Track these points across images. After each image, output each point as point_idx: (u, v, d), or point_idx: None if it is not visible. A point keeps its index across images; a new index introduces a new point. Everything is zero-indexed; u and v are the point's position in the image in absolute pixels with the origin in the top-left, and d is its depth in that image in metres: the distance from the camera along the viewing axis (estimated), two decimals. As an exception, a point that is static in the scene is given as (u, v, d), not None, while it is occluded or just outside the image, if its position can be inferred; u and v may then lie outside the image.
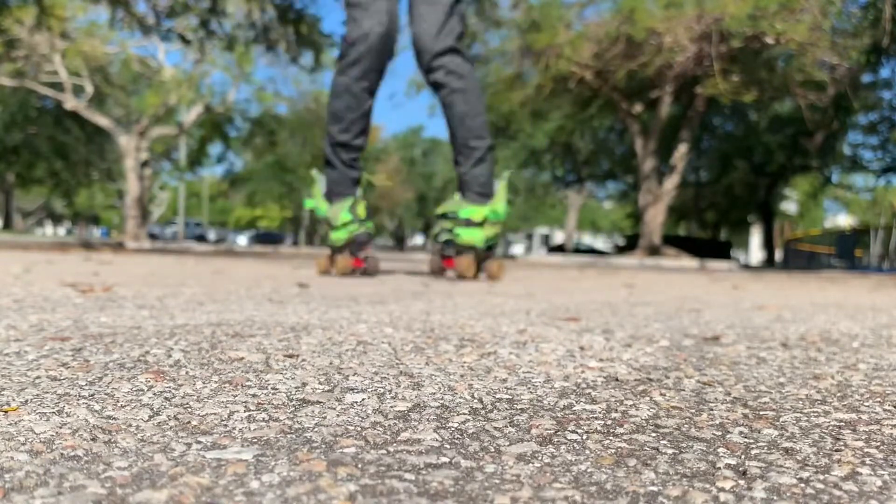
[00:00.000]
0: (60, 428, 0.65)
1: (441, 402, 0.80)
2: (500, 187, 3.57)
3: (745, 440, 0.68)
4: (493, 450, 0.63)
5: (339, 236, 3.53)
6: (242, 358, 1.03)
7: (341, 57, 3.46)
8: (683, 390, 0.91)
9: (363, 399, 0.80)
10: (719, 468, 0.59)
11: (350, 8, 3.43)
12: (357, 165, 3.57)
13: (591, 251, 30.23)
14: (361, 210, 3.55)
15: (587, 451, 0.63)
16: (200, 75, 21.30)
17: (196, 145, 27.68)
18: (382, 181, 3.69)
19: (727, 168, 25.22)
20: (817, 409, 0.82)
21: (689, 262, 15.25)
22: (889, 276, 8.66)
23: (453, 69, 3.42)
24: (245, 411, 0.73)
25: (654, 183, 17.87)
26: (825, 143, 20.81)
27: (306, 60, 13.29)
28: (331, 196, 3.59)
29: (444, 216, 3.58)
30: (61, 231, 54.37)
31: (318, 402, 0.78)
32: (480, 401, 0.82)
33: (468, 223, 3.47)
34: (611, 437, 0.68)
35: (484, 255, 3.61)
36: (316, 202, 3.70)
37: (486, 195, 3.53)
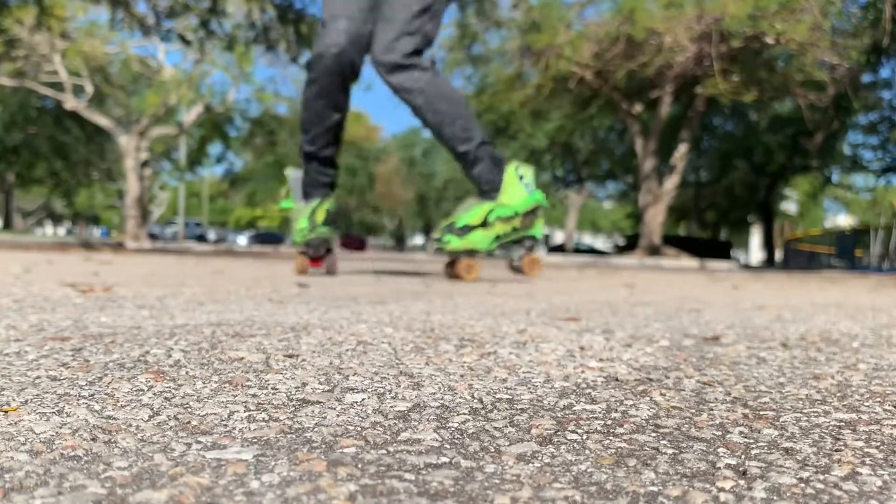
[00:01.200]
0: (60, 428, 0.65)
1: (441, 402, 0.80)
2: (507, 178, 3.48)
3: (745, 440, 0.68)
4: (493, 450, 0.63)
5: (297, 239, 3.61)
6: (242, 358, 1.03)
7: (307, 69, 3.45)
8: (683, 390, 0.91)
9: (363, 399, 0.80)
10: (719, 468, 0.59)
11: (321, 26, 3.44)
12: (327, 172, 3.57)
13: (592, 251, 30.24)
14: (320, 215, 3.56)
15: (587, 451, 0.63)
16: (200, 75, 21.31)
17: (196, 145, 27.69)
18: None
19: (727, 168, 25.24)
20: (817, 409, 0.82)
21: (689, 262, 15.26)
22: (889, 276, 8.66)
23: (407, 87, 3.34)
24: (245, 411, 0.73)
25: (654, 183, 17.88)
26: (825, 143, 20.83)
27: (306, 60, 13.29)
28: (307, 196, 3.62)
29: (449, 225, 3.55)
30: (61, 231, 54.37)
31: (318, 402, 0.78)
32: (480, 401, 0.82)
33: (463, 230, 3.43)
34: (611, 437, 0.68)
35: (519, 256, 3.62)
36: (290, 201, 3.72)
37: (494, 191, 3.46)
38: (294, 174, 3.72)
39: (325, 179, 3.57)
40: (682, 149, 17.76)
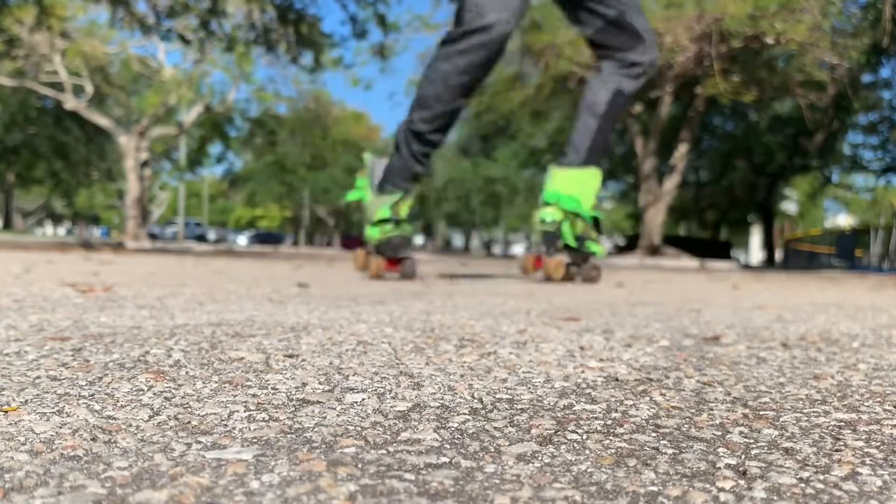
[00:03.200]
0: (60, 428, 0.65)
1: (441, 402, 0.80)
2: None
3: (745, 440, 0.68)
4: (493, 450, 0.63)
5: (372, 234, 3.27)
6: (242, 358, 1.03)
7: (448, 42, 3.06)
8: (683, 390, 0.91)
9: (363, 399, 0.80)
10: (719, 468, 0.59)
11: None
12: (425, 162, 3.25)
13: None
14: (404, 209, 3.26)
15: (587, 451, 0.63)
16: (200, 75, 21.31)
17: (196, 145, 27.70)
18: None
19: (727, 168, 25.23)
20: (817, 409, 0.82)
21: (689, 261, 15.26)
22: (889, 276, 8.66)
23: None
24: (245, 411, 0.73)
25: (654, 183, 17.88)
26: (825, 143, 20.82)
27: (306, 61, 13.30)
28: (383, 185, 3.28)
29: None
30: (61, 231, 54.38)
31: (318, 402, 0.78)
32: (480, 401, 0.82)
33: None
34: (611, 437, 0.68)
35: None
36: (362, 191, 3.39)
37: None
38: (374, 161, 3.39)
39: (418, 168, 3.25)
40: (682, 149, 17.76)
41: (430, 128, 3.15)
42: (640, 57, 3.26)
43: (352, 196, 3.47)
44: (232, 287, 2.48)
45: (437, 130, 3.17)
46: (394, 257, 3.25)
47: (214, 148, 28.55)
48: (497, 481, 0.55)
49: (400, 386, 0.88)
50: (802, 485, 0.56)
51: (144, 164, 20.23)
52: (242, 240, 41.32)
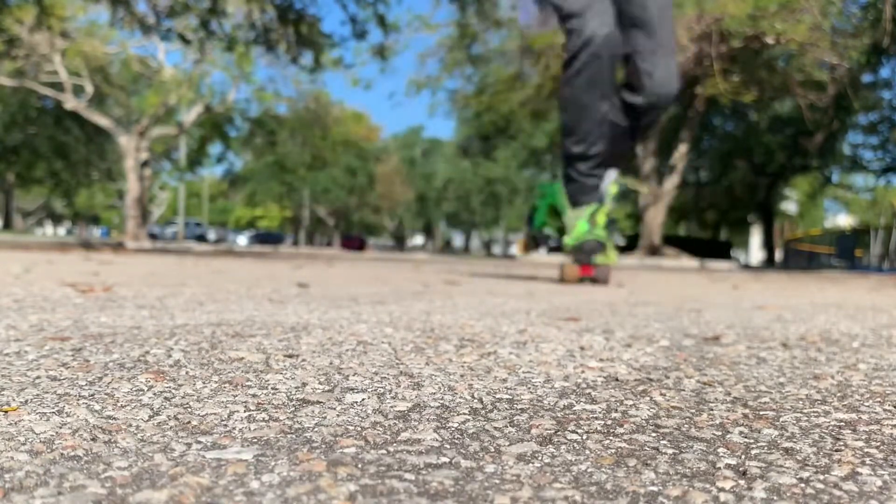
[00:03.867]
0: (60, 428, 0.65)
1: (441, 402, 0.80)
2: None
3: (745, 440, 0.68)
4: (493, 450, 0.63)
5: (567, 242, 3.52)
6: (242, 358, 1.03)
7: (564, 68, 3.33)
8: (683, 390, 0.91)
9: (363, 399, 0.80)
10: (719, 468, 0.59)
11: (567, 20, 3.24)
12: (597, 173, 3.47)
13: (592, 251, 30.08)
14: (601, 217, 3.48)
15: (587, 451, 0.63)
16: (200, 75, 21.30)
17: (196, 145, 27.71)
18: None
19: (727, 168, 25.23)
20: (817, 409, 0.82)
21: (689, 262, 15.27)
22: (889, 276, 8.67)
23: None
24: (245, 411, 0.73)
25: (654, 183, 17.88)
26: (825, 143, 20.82)
27: (306, 60, 13.30)
28: (575, 203, 3.54)
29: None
30: (61, 231, 54.40)
31: (318, 402, 0.78)
32: (480, 401, 0.82)
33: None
34: (611, 437, 0.68)
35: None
36: (545, 216, 3.66)
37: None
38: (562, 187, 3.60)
39: (594, 182, 3.46)
40: (682, 149, 17.77)
41: (584, 147, 3.40)
42: (636, 99, 3.34)
43: (538, 222, 3.77)
44: (232, 287, 2.48)
45: (592, 144, 3.40)
46: (587, 263, 3.49)
47: (214, 148, 28.56)
48: (497, 481, 0.55)
49: (400, 386, 0.88)
50: (802, 485, 0.56)
51: (144, 164, 20.22)
52: (242, 240, 41.31)
